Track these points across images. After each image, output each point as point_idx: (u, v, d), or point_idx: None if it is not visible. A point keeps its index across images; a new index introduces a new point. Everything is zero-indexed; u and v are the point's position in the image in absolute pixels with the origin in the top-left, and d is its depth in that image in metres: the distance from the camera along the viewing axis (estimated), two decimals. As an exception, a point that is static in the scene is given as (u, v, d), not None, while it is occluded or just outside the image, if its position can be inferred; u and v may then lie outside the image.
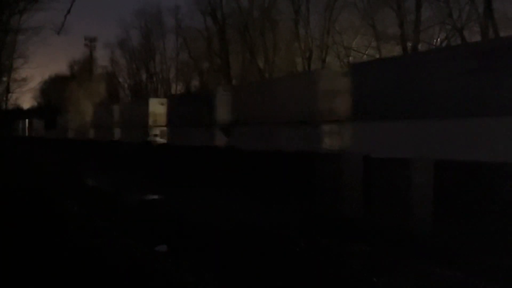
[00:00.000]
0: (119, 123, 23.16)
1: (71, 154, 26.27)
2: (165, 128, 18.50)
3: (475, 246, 6.16)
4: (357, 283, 5.22)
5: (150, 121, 19.37)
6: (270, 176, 10.76)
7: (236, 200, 10.00)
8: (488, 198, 6.57)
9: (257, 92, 13.32)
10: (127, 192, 12.19)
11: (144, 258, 6.03)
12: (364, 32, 25.55)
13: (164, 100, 19.48)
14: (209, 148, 14.03)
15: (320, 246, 6.72)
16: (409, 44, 22.27)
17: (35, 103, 59.77)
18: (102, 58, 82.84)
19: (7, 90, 38.09)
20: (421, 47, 21.74)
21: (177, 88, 41.87)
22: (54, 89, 51.05)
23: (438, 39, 22.88)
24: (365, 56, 25.01)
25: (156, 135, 19.14)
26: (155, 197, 11.37)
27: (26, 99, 60.65)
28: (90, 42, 51.49)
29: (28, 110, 56.46)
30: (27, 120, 46.19)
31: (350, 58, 26.10)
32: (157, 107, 19.36)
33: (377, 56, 23.46)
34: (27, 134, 45.35)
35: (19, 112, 51.57)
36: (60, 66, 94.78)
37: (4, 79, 35.87)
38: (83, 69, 50.70)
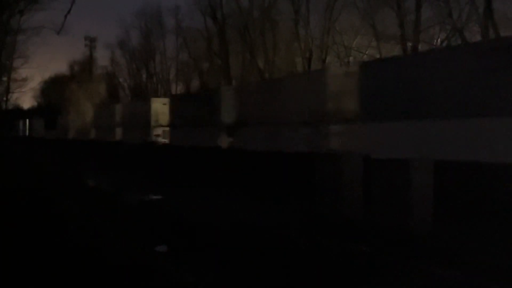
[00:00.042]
0: (120, 123, 23.13)
1: (71, 154, 26.25)
2: (167, 128, 18.45)
3: (475, 246, 6.15)
4: (357, 283, 5.22)
5: (152, 121, 19.32)
6: (270, 176, 10.75)
7: (236, 200, 9.99)
8: (488, 198, 6.57)
9: (262, 92, 13.15)
10: (127, 192, 12.19)
11: (144, 258, 6.03)
12: (364, 32, 25.58)
13: (167, 100, 19.43)
14: (209, 148, 14.02)
15: (320, 246, 6.72)
16: (409, 44, 22.28)
17: (35, 103, 59.81)
18: (102, 58, 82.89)
19: (7, 90, 38.12)
20: (421, 47, 21.74)
21: (177, 88, 41.94)
22: (54, 89, 51.04)
23: (438, 39, 22.92)
24: (365, 56, 25.02)
25: (158, 135, 19.10)
26: (156, 197, 11.37)
27: (26, 99, 60.64)
28: (90, 42, 51.50)
29: (28, 110, 56.44)
30: (27, 120, 46.21)
31: (350, 58, 26.11)
32: (160, 107, 19.31)
33: (378, 56, 23.46)
34: (27, 134, 45.36)
35: (19, 112, 51.56)
36: (60, 66, 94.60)
37: (4, 79, 35.93)
38: (83, 69, 50.71)
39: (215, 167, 12.98)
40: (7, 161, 23.26)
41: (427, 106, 7.72)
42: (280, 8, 29.44)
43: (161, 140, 18.78)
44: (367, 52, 25.51)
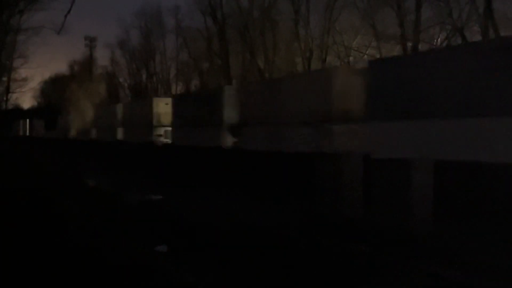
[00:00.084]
0: (121, 123, 23.08)
1: (72, 154, 26.27)
2: (169, 128, 18.38)
3: (475, 246, 6.15)
4: (357, 283, 5.22)
5: (154, 121, 19.26)
6: (270, 176, 10.75)
7: (236, 200, 10.00)
8: (488, 198, 6.57)
9: (265, 91, 13.00)
10: (128, 192, 12.19)
11: (144, 258, 6.03)
12: (364, 32, 25.56)
13: (169, 100, 19.30)
14: (209, 148, 14.01)
15: (320, 246, 6.72)
16: (409, 44, 22.27)
17: (35, 103, 59.79)
18: (102, 58, 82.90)
19: (7, 90, 38.13)
20: (421, 47, 21.74)
21: (177, 88, 41.92)
22: (54, 89, 51.08)
23: (438, 39, 22.92)
24: (365, 56, 25.01)
25: (160, 136, 19.03)
26: (156, 197, 11.37)
27: (26, 99, 60.58)
28: (90, 42, 51.52)
29: (28, 110, 56.43)
30: (27, 120, 46.21)
31: (350, 58, 26.11)
32: (162, 107, 19.22)
33: (378, 56, 23.45)
34: (27, 134, 45.38)
35: (19, 112, 51.55)
36: (60, 66, 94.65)
37: (4, 79, 35.94)
38: (83, 69, 50.68)
39: (215, 167, 12.98)
40: (7, 161, 23.24)
41: (436, 105, 7.53)
42: (280, 8, 29.44)
43: (163, 140, 18.72)
44: (367, 52, 25.50)
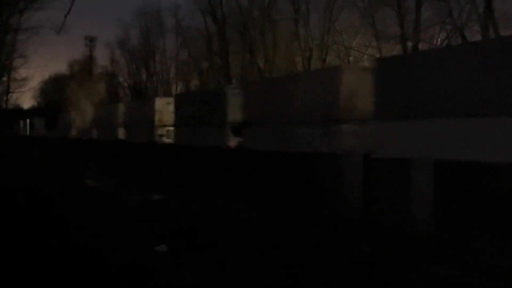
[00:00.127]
0: (123, 123, 23.05)
1: (72, 154, 26.26)
2: (171, 128, 18.32)
3: (475, 246, 6.15)
4: (357, 283, 5.22)
5: (156, 121, 19.21)
6: (270, 176, 10.75)
7: (236, 200, 9.99)
8: (488, 198, 6.57)
9: (270, 90, 12.86)
10: (128, 192, 12.18)
11: (144, 258, 6.03)
12: (364, 31, 25.56)
13: (171, 99, 19.24)
14: (209, 148, 14.00)
15: (320, 246, 6.72)
16: (409, 44, 22.27)
17: (35, 103, 59.81)
18: (102, 58, 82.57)
19: (7, 90, 38.11)
20: (421, 47, 21.74)
21: (177, 87, 41.93)
22: (54, 89, 51.08)
23: (438, 39, 22.92)
24: (365, 56, 25.01)
25: (162, 135, 18.98)
26: (157, 197, 11.37)
27: (26, 99, 60.53)
28: (90, 42, 51.56)
29: (28, 110, 56.45)
30: (27, 120, 46.22)
31: (350, 58, 26.11)
32: (164, 107, 19.17)
33: (378, 55, 23.45)
34: (27, 133, 45.39)
35: (19, 112, 51.58)
36: (60, 66, 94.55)
37: (4, 79, 35.91)
38: (83, 69, 50.70)
39: (215, 166, 12.97)
40: (8, 161, 23.24)
41: (449, 104, 7.38)
42: (280, 7, 29.46)
43: (166, 140, 18.67)
44: (367, 52, 25.50)
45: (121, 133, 22.92)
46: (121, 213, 9.46)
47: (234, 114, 13.74)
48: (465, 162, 6.91)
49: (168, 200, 11.01)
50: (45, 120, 42.14)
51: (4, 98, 38.97)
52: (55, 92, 49.27)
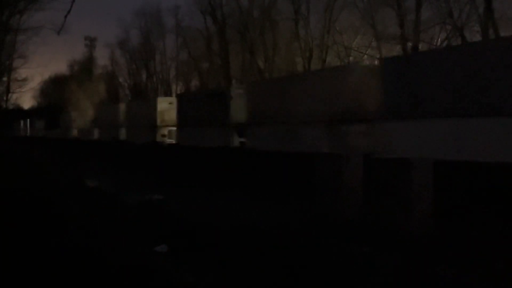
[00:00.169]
0: (124, 123, 23.00)
1: (73, 154, 26.25)
2: (173, 128, 18.26)
3: (475, 246, 6.16)
4: (357, 283, 5.22)
5: (158, 121, 19.16)
6: (270, 176, 10.75)
7: (236, 200, 9.99)
8: (488, 198, 6.57)
9: (275, 90, 12.74)
10: (129, 192, 12.19)
11: (144, 258, 6.03)
12: (364, 32, 25.56)
13: (173, 99, 19.20)
14: (209, 148, 13.99)
15: (320, 246, 6.72)
16: (409, 44, 22.27)
17: (35, 103, 59.80)
18: (102, 58, 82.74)
19: (7, 90, 38.12)
20: (421, 47, 21.73)
21: (177, 88, 41.93)
22: (54, 89, 51.07)
23: (438, 39, 22.91)
24: (365, 56, 25.02)
25: (164, 135, 18.94)
26: (157, 197, 11.37)
27: (26, 99, 60.54)
28: (90, 42, 51.61)
29: (29, 110, 56.47)
30: (27, 120, 46.22)
31: (350, 58, 26.10)
32: (166, 107, 19.11)
33: (378, 56, 23.45)
34: (27, 133, 45.40)
35: (19, 112, 51.59)
36: (60, 66, 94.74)
37: (4, 79, 35.93)
38: (83, 69, 50.72)
39: (216, 167, 12.97)
40: (8, 161, 23.23)
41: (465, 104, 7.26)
42: (280, 8, 29.45)
43: (168, 140, 18.62)
44: (367, 52, 25.50)
45: (122, 133, 22.89)
46: (121, 213, 9.46)
47: (238, 114, 13.63)
48: (464, 162, 6.90)
49: (168, 200, 11.01)
50: (45, 120, 42.18)
51: (4, 98, 38.99)
52: (55, 92, 49.29)
